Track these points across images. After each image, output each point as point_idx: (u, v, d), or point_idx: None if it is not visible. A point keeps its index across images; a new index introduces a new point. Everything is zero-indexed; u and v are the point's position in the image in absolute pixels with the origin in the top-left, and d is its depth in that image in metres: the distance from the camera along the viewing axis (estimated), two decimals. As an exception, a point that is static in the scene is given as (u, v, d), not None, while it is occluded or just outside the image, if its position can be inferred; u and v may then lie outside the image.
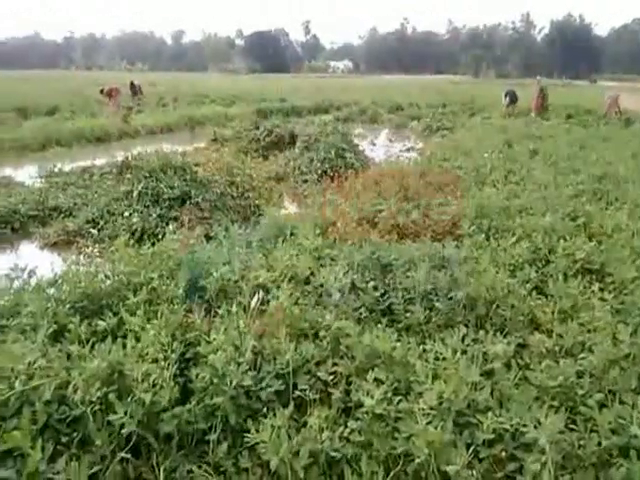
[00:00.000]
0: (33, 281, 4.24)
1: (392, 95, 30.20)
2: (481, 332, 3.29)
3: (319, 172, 9.52)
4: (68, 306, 3.61)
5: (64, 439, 2.51)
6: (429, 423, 2.43)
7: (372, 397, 2.60)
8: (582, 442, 2.46)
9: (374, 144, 15.83)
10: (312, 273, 4.07)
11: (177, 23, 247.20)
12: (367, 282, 3.84)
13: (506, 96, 20.58)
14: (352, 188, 6.64)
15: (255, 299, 3.43)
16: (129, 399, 2.57)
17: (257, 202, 7.29)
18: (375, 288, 3.78)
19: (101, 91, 20.92)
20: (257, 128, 12.70)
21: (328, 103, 26.74)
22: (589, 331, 3.37)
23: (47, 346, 3.06)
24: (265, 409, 2.72)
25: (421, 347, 3.12)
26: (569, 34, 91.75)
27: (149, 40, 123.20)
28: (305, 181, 9.28)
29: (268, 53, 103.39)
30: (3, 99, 21.78)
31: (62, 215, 7.32)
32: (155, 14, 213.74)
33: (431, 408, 2.54)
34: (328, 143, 10.32)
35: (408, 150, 14.40)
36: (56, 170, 10.24)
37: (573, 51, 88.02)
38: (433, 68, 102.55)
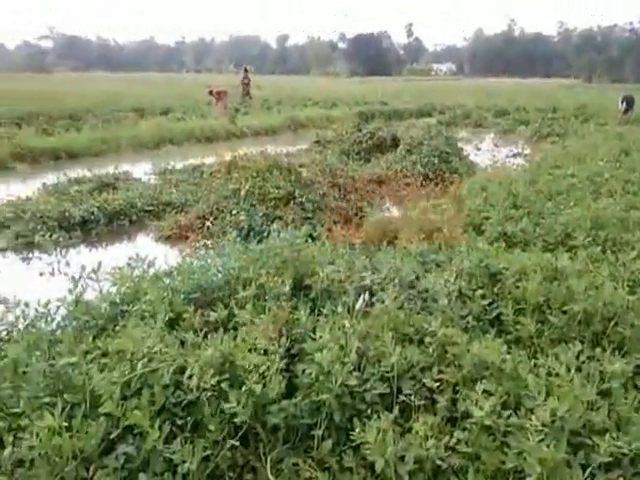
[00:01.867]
0: (151, 271, 4.53)
1: (498, 99, 29.25)
2: (597, 350, 3.12)
3: (422, 176, 9.42)
4: (182, 296, 3.80)
5: (179, 422, 2.64)
6: (541, 440, 2.33)
7: (481, 408, 2.53)
8: None
9: (479, 149, 15.42)
10: (417, 277, 4.03)
11: (282, 27, 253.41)
12: (474, 290, 3.75)
13: (623, 101, 19.31)
14: (457, 193, 6.51)
15: (360, 300, 3.44)
16: (240, 389, 2.66)
17: (359, 204, 7.33)
18: (483, 297, 3.68)
19: (210, 92, 21.92)
20: (359, 131, 12.76)
21: (431, 106, 26.39)
22: None
23: (164, 332, 3.24)
24: (369, 410, 2.73)
25: (532, 361, 2.99)
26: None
27: (255, 44, 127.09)
28: (407, 184, 9.21)
29: (370, 56, 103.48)
30: (122, 100, 23.38)
31: (175, 210, 7.73)
32: (262, 18, 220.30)
33: (543, 425, 2.43)
34: (431, 147, 10.18)
35: (515, 156, 13.88)
36: (169, 167, 10.85)
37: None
38: (542, 71, 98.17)
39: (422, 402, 2.77)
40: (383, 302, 3.45)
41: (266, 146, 12.47)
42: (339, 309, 3.38)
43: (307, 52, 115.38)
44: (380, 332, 3.18)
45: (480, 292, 3.70)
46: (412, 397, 2.74)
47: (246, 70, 26.33)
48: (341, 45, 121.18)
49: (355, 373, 2.79)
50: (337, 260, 4.32)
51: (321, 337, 3.02)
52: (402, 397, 2.76)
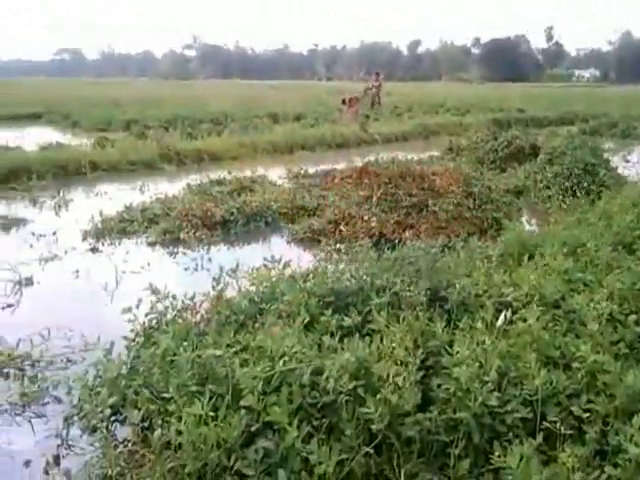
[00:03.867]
0: (287, 272, 4.68)
1: (649, 107, 26.82)
2: None
3: (564, 188, 8.86)
4: (316, 299, 3.88)
5: (315, 422, 2.69)
6: None
7: (636, 444, 2.33)
8: None
9: (627, 161, 14.21)
10: (562, 297, 3.79)
11: (414, 33, 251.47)
12: (627, 314, 3.46)
13: None
14: (605, 208, 6.04)
15: (502, 317, 3.30)
16: (375, 397, 2.66)
17: (495, 215, 7.05)
18: (637, 322, 3.39)
19: (343, 101, 22.27)
20: (495, 138, 12.30)
21: (572, 114, 24.83)
22: None
23: (301, 333, 3.32)
24: (510, 434, 2.61)
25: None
26: None
27: (385, 50, 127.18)
28: (548, 197, 8.71)
29: (506, 61, 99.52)
30: (258, 106, 24.49)
31: (307, 214, 7.93)
32: (394, 24, 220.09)
33: None
34: (575, 157, 9.54)
35: (669, 170, 12.63)
36: (302, 172, 11.18)
37: None
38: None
39: (568, 431, 2.60)
40: (525, 321, 3.28)
41: (397, 153, 12.45)
42: (478, 324, 3.27)
43: (439, 58, 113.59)
44: (522, 352, 3.03)
45: (634, 317, 3.42)
46: (558, 425, 2.58)
47: (378, 74, 26.45)
48: (475, 50, 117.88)
49: (495, 393, 2.68)
50: (474, 273, 4.19)
51: (459, 352, 2.94)
52: (546, 424, 2.61)
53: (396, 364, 2.90)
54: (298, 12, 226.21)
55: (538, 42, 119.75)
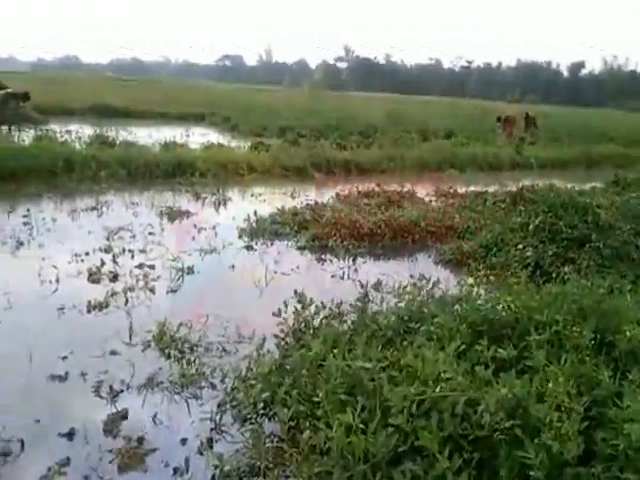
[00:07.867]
0: (436, 292, 4.60)
1: None
2: None
3: None
4: (467, 326, 3.76)
5: (465, 455, 2.60)
6: None
7: None
8: None
9: None
10: None
11: (577, 54, 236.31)
12: None
13: None
14: None
15: (681, 375, 2.97)
16: (532, 440, 2.51)
17: (668, 259, 6.40)
18: None
19: (498, 119, 21.48)
20: (668, 175, 11.23)
21: None
22: None
23: (454, 360, 3.23)
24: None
25: None
26: None
27: (544, 71, 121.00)
28: None
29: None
30: (407, 121, 24.44)
31: (456, 235, 7.75)
32: (555, 43, 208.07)
33: None
34: None
35: None
36: (451, 191, 10.95)
37: None
38: None
39: None
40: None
41: (554, 180, 11.77)
42: (653, 380, 2.97)
43: (604, 82, 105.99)
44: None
45: None
46: None
47: (527, 116, 24.94)
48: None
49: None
50: (647, 320, 3.82)
51: (629, 406, 2.69)
52: None
53: (558, 409, 2.72)
54: (451, 27, 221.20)
55: None
